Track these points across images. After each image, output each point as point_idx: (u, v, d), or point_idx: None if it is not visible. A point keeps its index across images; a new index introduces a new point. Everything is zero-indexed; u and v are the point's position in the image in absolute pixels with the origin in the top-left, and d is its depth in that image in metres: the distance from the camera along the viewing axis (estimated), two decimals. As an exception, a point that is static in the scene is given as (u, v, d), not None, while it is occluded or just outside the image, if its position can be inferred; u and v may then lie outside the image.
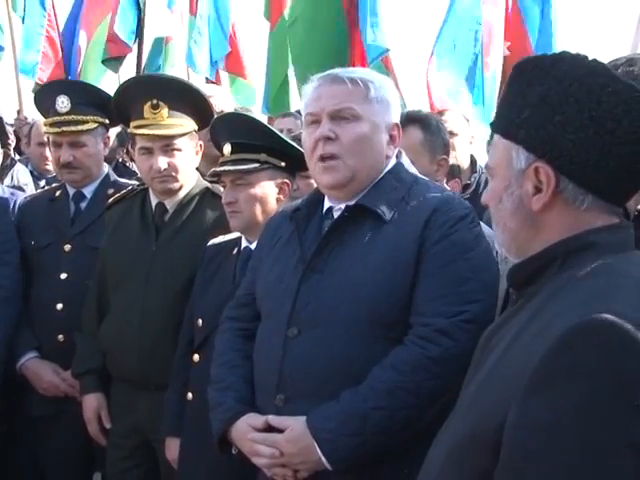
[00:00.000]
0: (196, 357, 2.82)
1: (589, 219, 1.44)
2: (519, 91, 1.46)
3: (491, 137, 4.61)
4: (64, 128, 3.41)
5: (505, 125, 1.48)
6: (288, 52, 6.45)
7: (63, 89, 3.49)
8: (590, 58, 1.43)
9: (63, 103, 3.40)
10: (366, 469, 2.16)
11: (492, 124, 1.56)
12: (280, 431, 2.19)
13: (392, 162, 2.36)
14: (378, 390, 2.11)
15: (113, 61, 7.28)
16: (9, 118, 6.59)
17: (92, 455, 3.42)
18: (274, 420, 2.22)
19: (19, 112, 7.32)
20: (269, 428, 2.23)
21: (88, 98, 3.44)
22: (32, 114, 6.96)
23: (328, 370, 2.18)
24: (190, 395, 2.82)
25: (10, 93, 7.66)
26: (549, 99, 1.41)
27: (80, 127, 3.42)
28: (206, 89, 3.64)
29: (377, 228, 2.24)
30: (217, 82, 7.94)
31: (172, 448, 2.89)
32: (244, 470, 2.36)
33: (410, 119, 3.23)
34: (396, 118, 2.35)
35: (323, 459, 2.12)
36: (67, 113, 3.40)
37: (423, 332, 2.14)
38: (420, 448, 2.11)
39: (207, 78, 7.79)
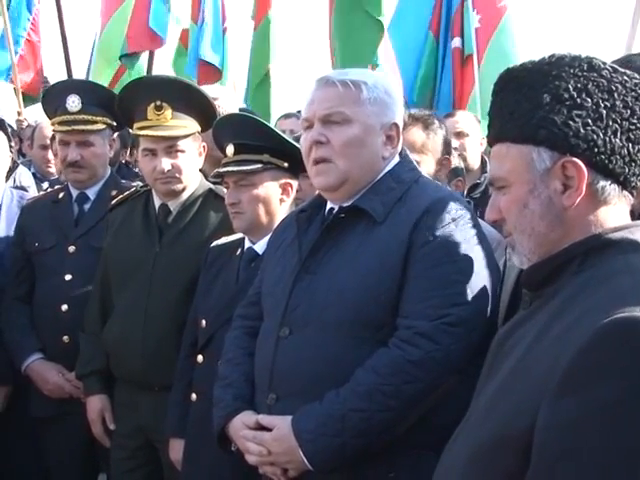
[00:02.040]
0: (200, 358, 2.82)
1: (610, 214, 1.46)
2: (520, 96, 1.47)
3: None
4: (74, 127, 3.42)
5: (516, 130, 1.48)
6: (269, 49, 6.72)
7: (74, 88, 3.50)
8: (583, 55, 1.47)
9: (74, 102, 3.40)
10: (352, 471, 2.16)
11: (492, 136, 1.56)
12: (271, 430, 2.21)
13: (393, 162, 2.34)
14: (357, 392, 2.11)
15: (129, 57, 7.26)
16: (9, 120, 6.57)
17: (96, 456, 3.43)
18: (264, 419, 2.23)
19: (19, 114, 7.32)
20: (261, 427, 2.24)
21: (98, 99, 3.44)
22: (32, 116, 6.98)
23: (317, 371, 2.18)
24: (194, 396, 2.82)
25: (9, 95, 7.65)
26: (561, 97, 1.44)
27: (90, 127, 3.43)
28: (212, 90, 3.64)
29: (370, 230, 2.24)
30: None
31: (176, 449, 2.90)
32: (246, 472, 2.37)
33: (412, 119, 3.24)
34: (395, 118, 2.32)
35: (304, 459, 2.13)
36: (77, 112, 3.41)
37: (405, 335, 2.13)
38: (407, 451, 2.13)
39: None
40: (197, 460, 2.76)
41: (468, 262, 2.17)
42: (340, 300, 2.19)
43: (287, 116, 5.68)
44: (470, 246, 2.19)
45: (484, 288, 2.17)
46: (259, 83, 6.91)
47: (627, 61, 1.97)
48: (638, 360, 1.22)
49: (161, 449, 3.04)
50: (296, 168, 2.76)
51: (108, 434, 3.22)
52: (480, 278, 2.17)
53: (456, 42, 6.19)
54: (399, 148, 2.36)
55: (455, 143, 4.41)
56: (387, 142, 2.31)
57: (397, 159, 2.36)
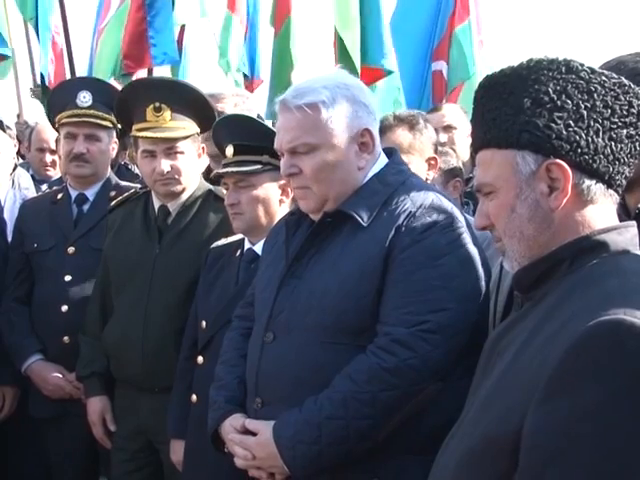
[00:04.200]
0: (200, 359, 2.83)
1: (597, 214, 1.47)
2: (501, 102, 1.49)
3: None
4: (85, 119, 3.43)
5: (499, 136, 1.50)
6: (292, 56, 6.49)
7: (86, 85, 3.53)
8: (560, 58, 1.48)
9: (85, 98, 3.43)
10: (335, 476, 2.16)
11: (475, 143, 1.57)
12: (256, 434, 2.22)
13: (379, 164, 2.30)
14: (334, 400, 2.10)
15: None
16: (9, 122, 6.56)
17: (97, 457, 3.44)
18: (250, 424, 2.24)
19: (19, 116, 7.32)
20: (248, 430, 2.25)
21: (108, 99, 3.44)
22: (32, 118, 6.97)
23: (299, 376, 2.18)
24: (194, 397, 2.82)
25: (10, 96, 7.64)
26: (541, 101, 1.45)
27: (99, 121, 3.46)
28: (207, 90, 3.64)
29: (354, 234, 2.21)
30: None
31: (177, 450, 2.90)
32: (246, 473, 2.37)
33: (397, 120, 3.27)
34: (365, 123, 2.24)
35: (284, 466, 2.13)
36: (88, 108, 3.44)
37: (381, 342, 2.11)
38: (390, 456, 2.11)
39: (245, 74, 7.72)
40: (198, 461, 2.76)
41: (449, 266, 2.13)
42: (320, 305, 2.18)
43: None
44: (453, 250, 2.15)
45: (468, 292, 2.14)
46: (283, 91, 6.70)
47: (619, 62, 1.98)
48: (623, 362, 1.23)
49: (162, 450, 3.05)
50: (295, 169, 2.76)
51: (109, 435, 3.22)
52: (463, 282, 2.13)
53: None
54: (378, 150, 2.30)
55: (443, 137, 4.40)
56: (361, 150, 2.25)
57: (384, 160, 2.32)
